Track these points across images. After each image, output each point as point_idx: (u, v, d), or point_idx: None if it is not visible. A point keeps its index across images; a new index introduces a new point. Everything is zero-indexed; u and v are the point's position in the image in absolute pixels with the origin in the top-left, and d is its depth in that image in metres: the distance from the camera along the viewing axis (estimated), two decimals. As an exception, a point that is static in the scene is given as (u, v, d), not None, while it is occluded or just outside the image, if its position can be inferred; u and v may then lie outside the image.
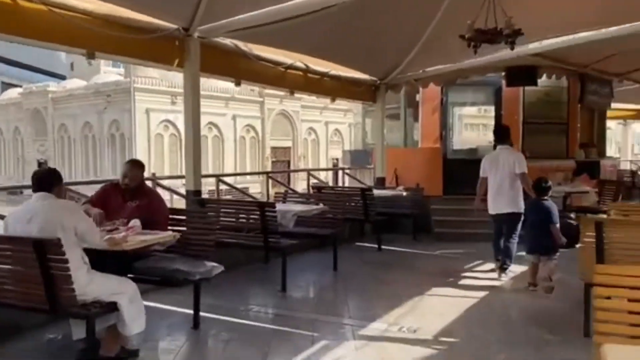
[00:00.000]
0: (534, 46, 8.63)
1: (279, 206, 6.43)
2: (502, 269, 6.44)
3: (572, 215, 8.55)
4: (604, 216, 7.48)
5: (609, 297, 2.46)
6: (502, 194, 6.36)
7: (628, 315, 2.37)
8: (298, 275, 6.51)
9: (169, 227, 4.63)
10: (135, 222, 4.20)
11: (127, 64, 29.14)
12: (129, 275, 4.12)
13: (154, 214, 4.49)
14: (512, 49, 6.00)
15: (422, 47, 8.03)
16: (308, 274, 6.72)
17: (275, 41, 6.75)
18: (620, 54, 9.54)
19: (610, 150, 19.33)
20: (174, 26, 5.77)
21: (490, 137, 10.47)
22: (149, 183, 5.76)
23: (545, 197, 5.89)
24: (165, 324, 4.72)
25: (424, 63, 9.06)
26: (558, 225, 5.73)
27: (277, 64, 7.45)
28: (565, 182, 9.83)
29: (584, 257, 4.09)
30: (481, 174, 6.68)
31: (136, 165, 4.71)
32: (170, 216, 4.86)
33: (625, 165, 16.68)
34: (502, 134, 6.77)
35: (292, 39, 6.71)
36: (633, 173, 15.61)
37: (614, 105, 12.22)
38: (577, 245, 7.34)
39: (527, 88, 9.94)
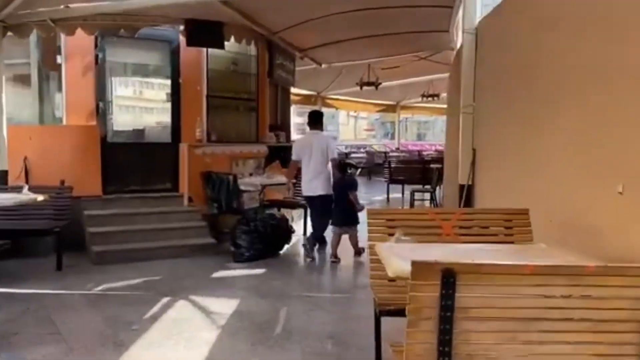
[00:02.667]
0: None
1: None
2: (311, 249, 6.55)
3: (276, 211, 6.82)
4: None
5: None
6: (317, 177, 6.54)
7: None
8: None
9: None
10: None
11: None
12: None
13: None
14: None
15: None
16: None
17: None
18: (307, 26, 8.34)
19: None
20: None
21: (160, 117, 7.97)
22: None
23: (348, 173, 6.74)
24: None
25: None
26: (356, 192, 6.48)
27: None
28: (257, 172, 8.13)
29: (414, 337, 2.02)
30: (294, 158, 6.85)
31: None
32: None
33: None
34: (314, 119, 6.85)
35: None
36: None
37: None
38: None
39: (212, 53, 7.77)
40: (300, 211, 8.30)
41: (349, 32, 9.54)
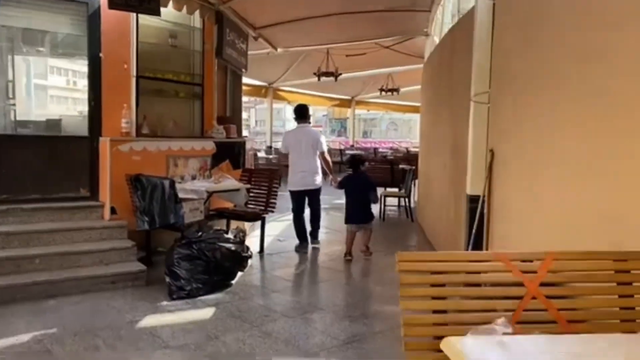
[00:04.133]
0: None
1: None
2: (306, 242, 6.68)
3: (230, 234, 5.21)
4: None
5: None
6: (306, 171, 6.56)
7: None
8: None
9: None
10: None
11: None
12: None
13: None
14: None
15: None
16: None
17: None
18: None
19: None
20: None
21: (73, 103, 6.25)
22: None
23: (361, 170, 6.53)
24: None
25: None
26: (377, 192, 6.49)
27: None
28: (203, 174, 6.49)
29: None
30: (282, 150, 7.00)
31: None
32: None
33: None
34: (300, 113, 6.80)
35: None
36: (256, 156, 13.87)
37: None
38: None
39: (145, 22, 6.03)
40: (254, 224, 6.75)
41: (313, 8, 8.06)
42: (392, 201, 10.11)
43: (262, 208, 6.55)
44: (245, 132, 22.63)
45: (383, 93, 16.65)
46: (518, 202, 3.91)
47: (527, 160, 3.75)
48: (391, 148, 22.67)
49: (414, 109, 23.00)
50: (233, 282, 5.10)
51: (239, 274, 5.19)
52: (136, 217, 5.52)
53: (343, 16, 8.52)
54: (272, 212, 6.63)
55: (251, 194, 6.70)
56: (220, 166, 6.71)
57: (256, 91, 15.78)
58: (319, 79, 12.80)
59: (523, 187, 3.82)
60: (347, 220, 6.32)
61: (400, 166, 11.00)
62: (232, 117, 8.02)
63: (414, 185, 9.82)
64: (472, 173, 4.69)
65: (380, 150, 20.96)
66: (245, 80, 12.79)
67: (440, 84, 7.06)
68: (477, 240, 4.54)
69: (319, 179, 6.68)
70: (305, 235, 6.67)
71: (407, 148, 21.50)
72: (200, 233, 4.94)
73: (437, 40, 9.35)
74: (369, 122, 43.37)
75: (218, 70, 7.26)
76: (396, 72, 15.17)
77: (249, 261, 5.22)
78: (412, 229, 8.50)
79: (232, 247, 4.92)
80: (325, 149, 6.73)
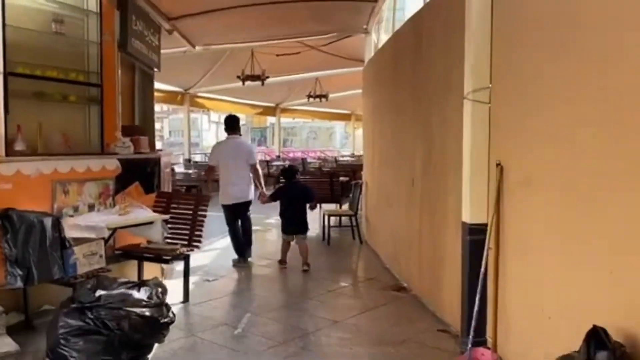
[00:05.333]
0: None
1: None
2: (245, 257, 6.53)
3: (144, 292, 3.70)
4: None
5: None
6: (239, 183, 6.44)
7: None
8: None
9: None
10: None
11: None
12: None
13: None
14: None
15: None
16: None
17: None
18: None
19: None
20: None
21: None
22: None
23: (295, 180, 6.54)
24: None
25: None
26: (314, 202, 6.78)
27: None
28: (104, 203, 4.94)
29: None
30: (212, 163, 6.78)
31: None
32: None
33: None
34: (231, 124, 6.68)
35: None
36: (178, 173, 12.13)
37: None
38: None
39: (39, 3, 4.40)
40: (173, 266, 5.29)
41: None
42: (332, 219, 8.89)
43: (185, 243, 5.09)
44: (158, 145, 20.52)
45: (311, 100, 15.58)
46: (554, 238, 2.80)
47: (569, 179, 2.66)
48: (319, 158, 21.65)
49: (343, 117, 22.18)
50: (149, 356, 3.63)
51: (157, 344, 3.72)
52: (5, 271, 3.89)
53: (273, 7, 7.27)
54: (198, 247, 5.19)
55: (170, 225, 5.22)
56: (127, 191, 5.14)
57: (170, 98, 14.07)
58: (243, 83, 11.46)
59: (564, 217, 2.71)
60: (284, 231, 6.42)
61: (341, 179, 9.88)
62: (142, 126, 6.46)
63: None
64: (472, 194, 3.57)
65: (309, 160, 19.86)
66: (157, 86, 11.08)
67: (397, 83, 5.96)
68: (484, 283, 3.42)
69: (251, 191, 6.58)
70: (244, 250, 6.54)
71: (335, 157, 20.54)
72: (98, 293, 3.42)
73: (378, 38, 8.35)
74: (289, 131, 42.58)
75: (122, 68, 5.71)
76: (325, 76, 14.16)
77: (172, 327, 3.76)
78: (364, 254, 7.34)
79: (147, 312, 3.43)
80: (257, 161, 6.70)
